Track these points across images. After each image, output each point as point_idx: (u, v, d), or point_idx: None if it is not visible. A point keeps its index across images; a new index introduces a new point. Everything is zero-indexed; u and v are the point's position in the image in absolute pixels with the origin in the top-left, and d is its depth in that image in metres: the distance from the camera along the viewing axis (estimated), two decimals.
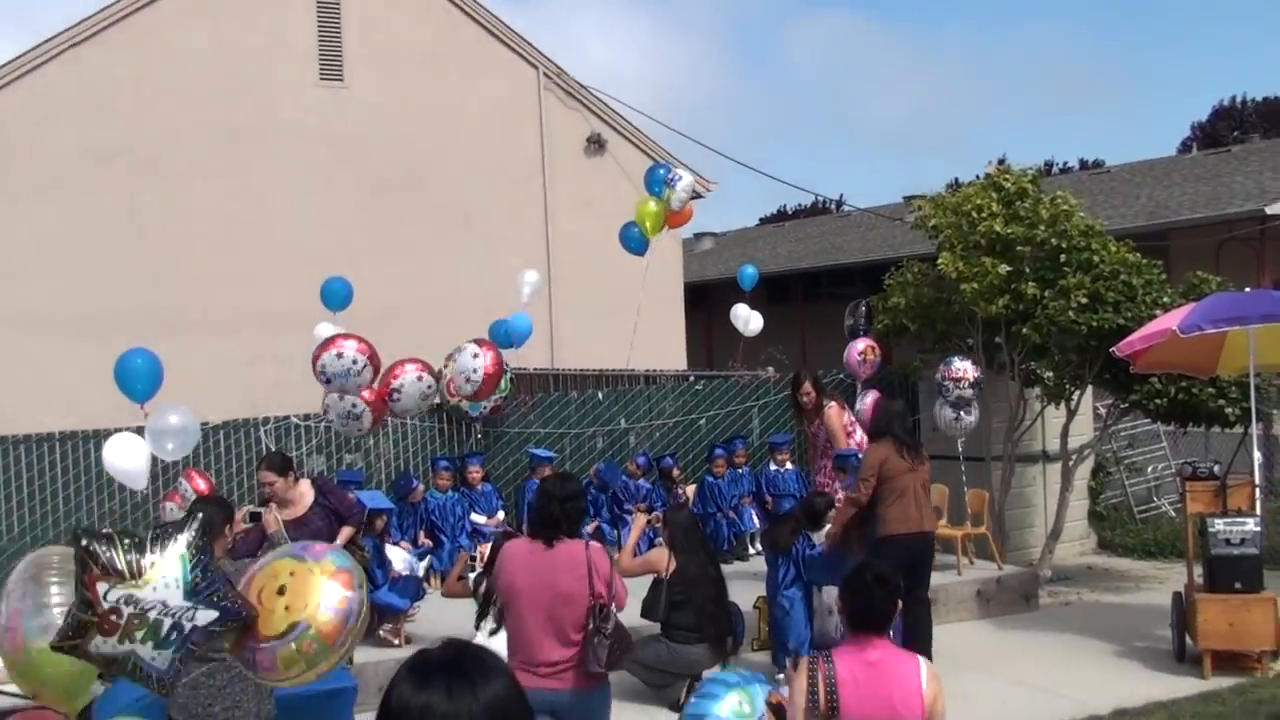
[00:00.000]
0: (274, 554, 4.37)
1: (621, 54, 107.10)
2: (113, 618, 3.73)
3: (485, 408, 12.04)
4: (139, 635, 3.91)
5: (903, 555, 8.60)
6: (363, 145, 19.21)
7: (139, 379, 7.67)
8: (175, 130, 18.01)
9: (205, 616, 4.04)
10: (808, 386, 11.12)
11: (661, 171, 12.35)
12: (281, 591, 4.33)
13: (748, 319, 13.29)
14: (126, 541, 3.78)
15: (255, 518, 6.35)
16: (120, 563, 3.74)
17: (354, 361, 8.48)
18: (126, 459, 7.75)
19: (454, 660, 2.23)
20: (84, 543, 3.66)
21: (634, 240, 12.31)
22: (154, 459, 8.55)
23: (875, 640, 4.54)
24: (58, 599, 4.06)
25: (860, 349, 12.22)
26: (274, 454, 9.12)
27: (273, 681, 4.37)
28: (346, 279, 12.05)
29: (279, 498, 8.18)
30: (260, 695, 5.76)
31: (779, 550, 9.29)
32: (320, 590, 4.37)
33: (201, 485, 9.19)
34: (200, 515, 4.46)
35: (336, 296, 11.89)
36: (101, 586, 3.71)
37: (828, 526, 9.49)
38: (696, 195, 12.46)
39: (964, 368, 11.59)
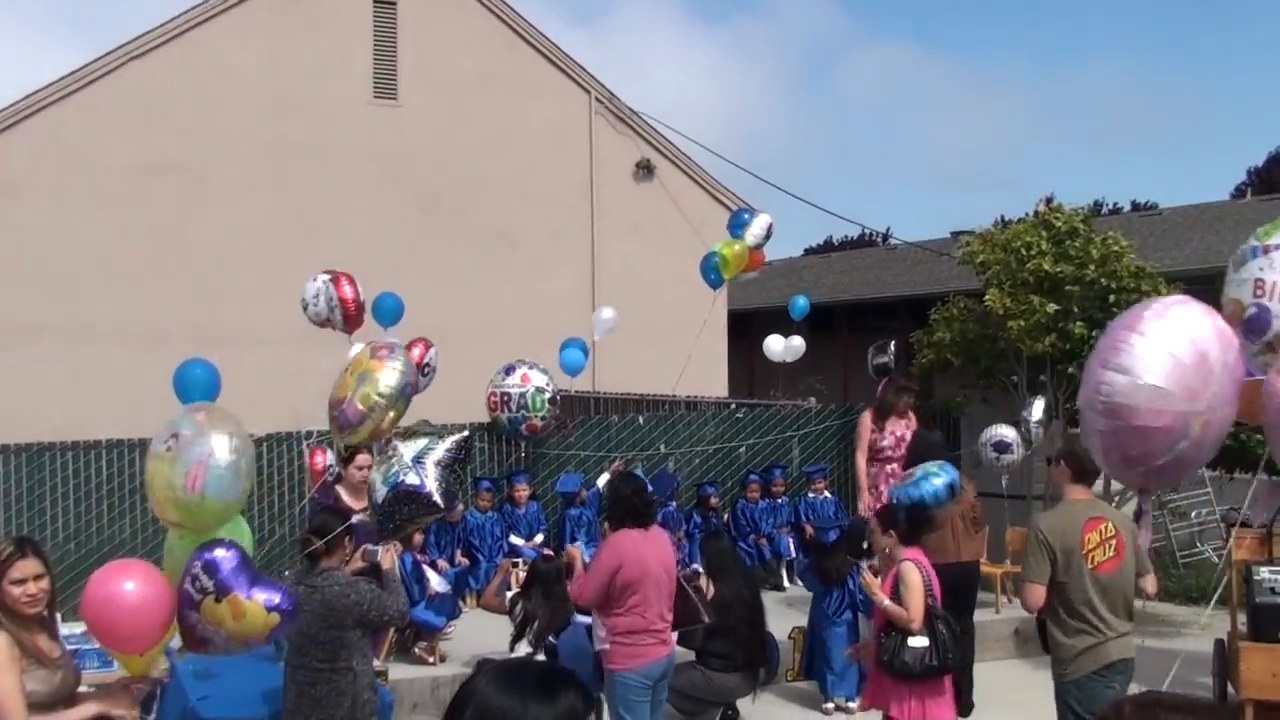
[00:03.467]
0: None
1: (677, 80, 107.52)
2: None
3: (521, 425, 12.15)
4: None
5: (951, 582, 8.58)
6: (413, 164, 19.38)
7: (197, 389, 7.73)
8: (228, 146, 18.24)
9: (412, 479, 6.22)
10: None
11: (746, 216, 12.65)
12: (349, 371, 6.26)
13: (782, 350, 13.31)
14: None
15: (372, 555, 6.44)
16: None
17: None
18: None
19: (541, 670, 2.41)
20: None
21: (712, 272, 12.52)
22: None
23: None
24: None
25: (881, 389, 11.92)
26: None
27: (366, 429, 6.07)
28: (398, 295, 12.15)
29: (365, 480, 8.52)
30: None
31: (830, 581, 9.33)
32: (368, 354, 6.28)
33: (320, 461, 9.60)
34: (468, 442, 6.74)
35: (388, 313, 12.00)
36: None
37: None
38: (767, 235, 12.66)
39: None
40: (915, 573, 6.91)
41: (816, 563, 9.73)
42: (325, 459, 10.08)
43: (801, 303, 12.93)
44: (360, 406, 6.07)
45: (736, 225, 12.79)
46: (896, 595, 6.91)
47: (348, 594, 6.01)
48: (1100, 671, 6.30)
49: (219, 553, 4.72)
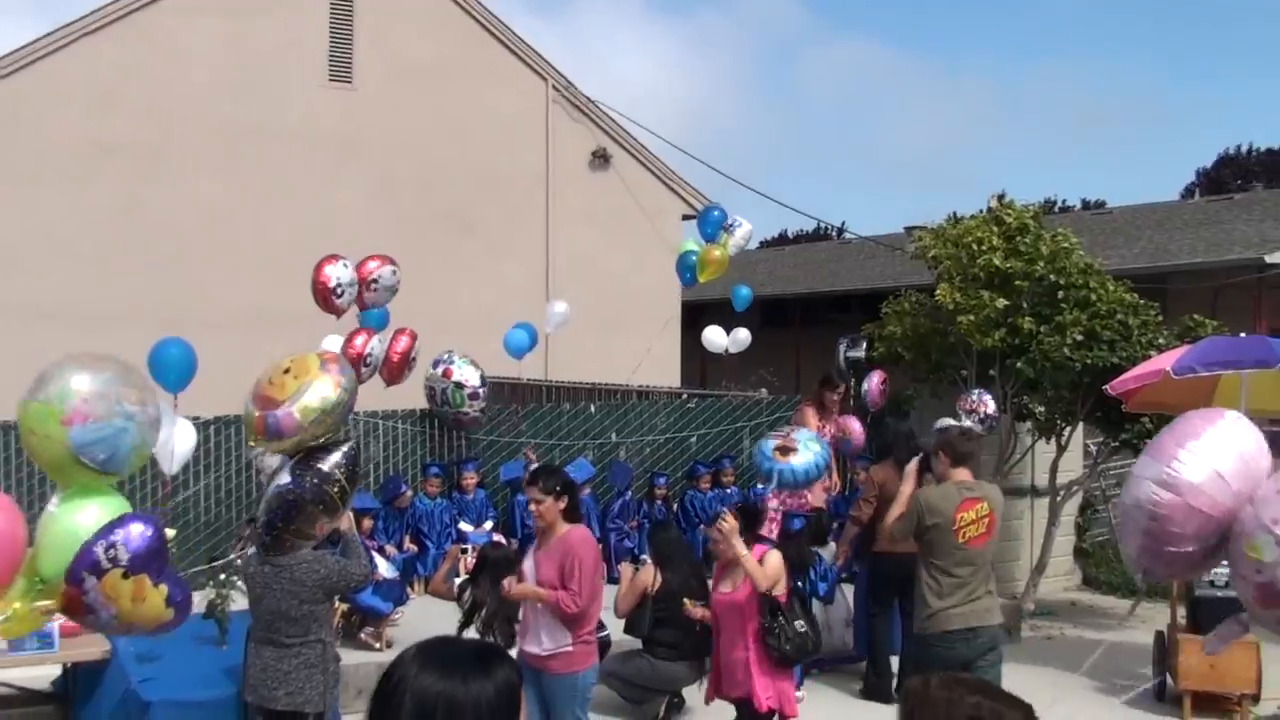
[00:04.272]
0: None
1: (637, 71, 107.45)
2: None
3: (448, 416, 12.16)
4: None
5: (899, 571, 8.86)
6: (368, 148, 19.25)
7: (172, 369, 7.69)
8: (181, 125, 18.03)
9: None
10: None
11: (716, 214, 12.59)
12: (287, 371, 5.83)
13: (724, 342, 13.22)
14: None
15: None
16: None
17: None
18: (181, 441, 7.83)
19: (472, 651, 2.36)
20: None
21: (688, 272, 12.49)
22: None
23: None
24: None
25: (879, 380, 12.29)
26: None
27: (295, 440, 5.70)
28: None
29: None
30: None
31: (792, 569, 9.35)
32: (318, 364, 5.84)
33: None
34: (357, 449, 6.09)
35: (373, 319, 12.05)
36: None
37: (832, 545, 9.76)
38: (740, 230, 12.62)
39: (985, 400, 11.45)
40: (778, 554, 6.97)
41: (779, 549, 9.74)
42: None
43: (744, 293, 12.85)
44: (298, 418, 5.75)
45: (712, 225, 12.67)
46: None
47: (317, 569, 6.06)
48: (941, 635, 6.98)
49: (140, 529, 4.43)
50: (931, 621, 7.02)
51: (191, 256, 17.79)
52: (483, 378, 12.28)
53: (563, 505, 6.61)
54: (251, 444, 6.62)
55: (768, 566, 6.79)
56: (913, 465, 7.68)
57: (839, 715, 9.15)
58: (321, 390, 5.80)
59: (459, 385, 12.04)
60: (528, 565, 6.78)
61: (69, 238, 17.19)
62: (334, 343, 11.42)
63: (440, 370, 12.13)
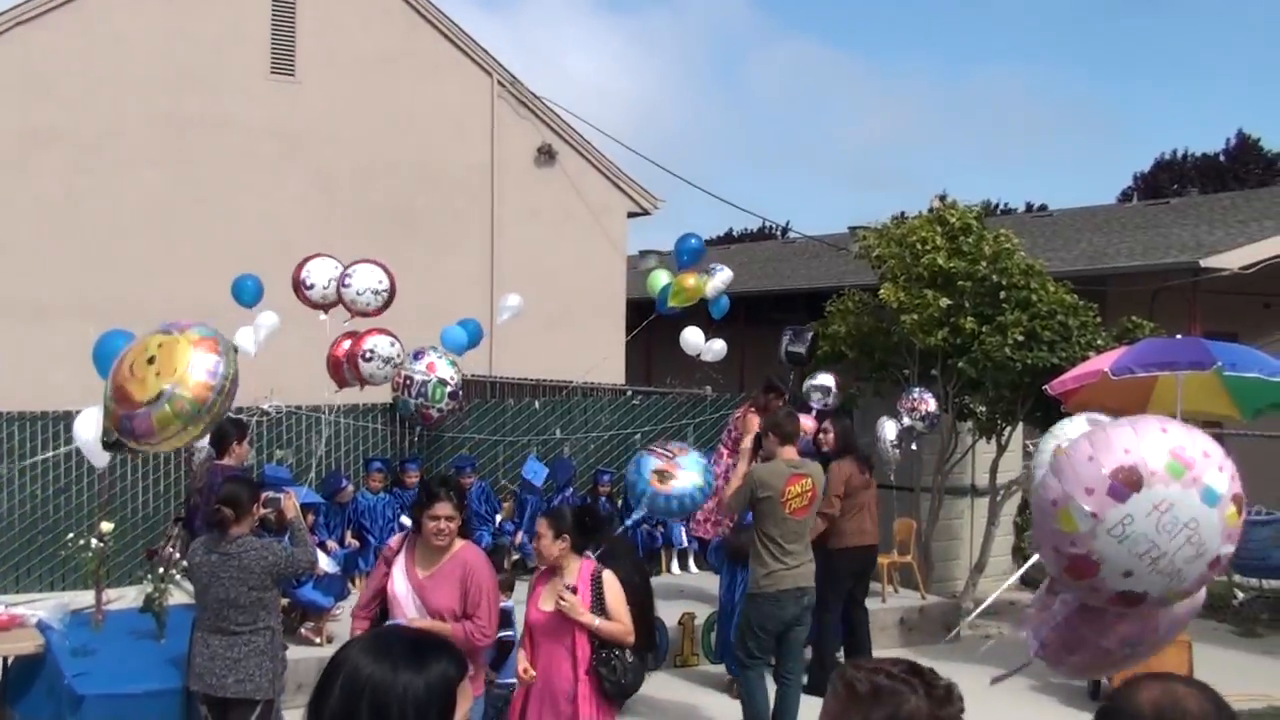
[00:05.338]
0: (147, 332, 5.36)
1: (583, 68, 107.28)
2: None
3: (412, 410, 12.00)
4: None
5: (855, 565, 9.29)
6: (311, 142, 19.06)
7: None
8: (120, 117, 17.75)
9: None
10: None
11: (693, 242, 12.57)
12: (151, 361, 5.18)
13: (703, 345, 13.20)
14: None
15: (274, 502, 6.50)
16: None
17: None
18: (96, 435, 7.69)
19: (411, 641, 2.33)
20: None
21: (663, 300, 12.45)
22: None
23: None
24: None
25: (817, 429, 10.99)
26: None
27: (153, 445, 4.79)
28: (258, 277, 12.01)
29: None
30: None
31: (741, 559, 9.34)
32: (188, 356, 5.19)
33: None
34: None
35: (248, 293, 11.89)
36: None
37: None
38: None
39: (926, 399, 11.50)
40: (616, 581, 6.11)
41: (730, 541, 9.75)
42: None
43: (723, 302, 12.85)
44: (154, 425, 5.15)
45: (688, 254, 12.69)
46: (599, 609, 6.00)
47: (265, 555, 6.11)
48: (777, 594, 7.91)
49: None
50: (768, 580, 7.89)
51: (128, 249, 17.52)
52: (461, 378, 12.20)
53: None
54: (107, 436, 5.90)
55: (617, 609, 5.99)
56: (747, 443, 8.43)
57: None
58: (184, 395, 5.15)
59: (443, 382, 11.92)
60: (401, 589, 5.68)
61: (3, 228, 16.87)
62: (245, 336, 11.22)
63: (424, 363, 11.99)
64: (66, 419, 10.60)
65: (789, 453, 8.04)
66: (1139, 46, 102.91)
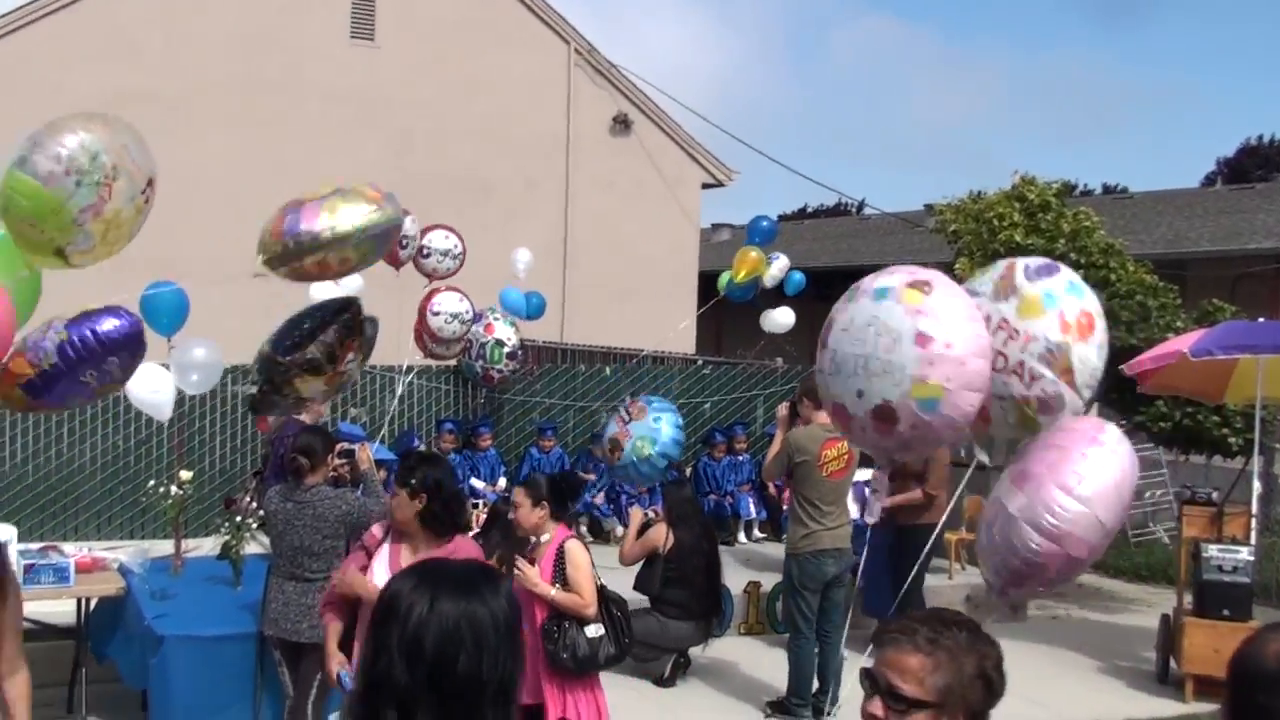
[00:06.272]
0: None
1: (662, 39, 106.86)
2: None
3: (477, 373, 12.18)
4: None
5: (927, 540, 9.21)
6: (388, 106, 19.19)
7: (165, 312, 7.70)
8: (201, 78, 17.96)
9: None
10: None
11: (765, 223, 12.61)
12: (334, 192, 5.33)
13: (779, 320, 13.44)
14: None
15: (349, 454, 6.62)
16: None
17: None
18: (153, 390, 7.79)
19: (463, 572, 2.31)
20: None
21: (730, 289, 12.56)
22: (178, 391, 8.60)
23: None
24: None
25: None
26: None
27: (285, 254, 5.20)
28: None
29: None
30: None
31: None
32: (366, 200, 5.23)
33: None
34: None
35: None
36: None
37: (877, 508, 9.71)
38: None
39: None
40: (583, 551, 5.94)
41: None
42: None
43: (797, 277, 13.04)
44: (323, 214, 5.11)
45: (759, 234, 12.83)
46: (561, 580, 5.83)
47: (339, 505, 6.22)
48: (816, 553, 8.02)
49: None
50: (805, 541, 8.02)
51: (207, 208, 17.76)
52: (521, 340, 12.35)
53: (419, 507, 5.13)
54: (256, 267, 5.67)
55: (578, 580, 5.81)
56: (783, 410, 8.56)
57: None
58: (359, 210, 5.18)
59: (500, 343, 12.11)
60: (380, 565, 5.20)
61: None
62: (323, 290, 11.45)
63: (482, 325, 12.16)
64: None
65: (823, 417, 7.84)
66: (1224, 27, 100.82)
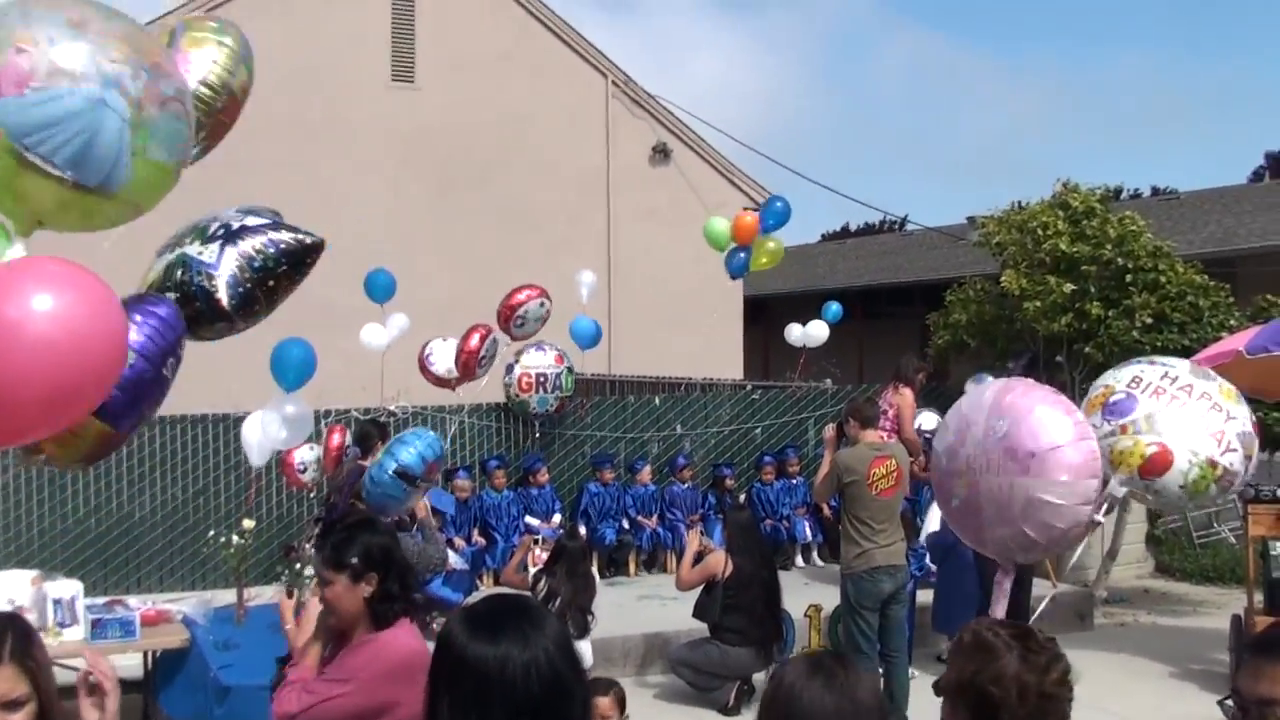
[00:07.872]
0: None
1: (698, 65, 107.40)
2: None
3: (551, 405, 12.28)
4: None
5: None
6: (430, 145, 19.38)
7: (292, 368, 7.79)
8: (243, 123, 18.09)
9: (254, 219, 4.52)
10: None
11: (779, 205, 12.59)
12: None
13: (801, 335, 13.52)
14: None
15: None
16: None
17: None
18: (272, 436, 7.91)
19: (513, 610, 2.32)
20: None
21: (736, 265, 12.55)
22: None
23: None
24: None
25: None
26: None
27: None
28: (389, 271, 12.92)
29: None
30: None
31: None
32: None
33: (336, 440, 10.05)
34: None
35: (379, 288, 12.83)
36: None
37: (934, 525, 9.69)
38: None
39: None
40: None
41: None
42: (342, 438, 10.16)
43: (835, 308, 13.32)
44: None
45: (774, 216, 12.74)
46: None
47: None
48: (870, 571, 8.04)
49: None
50: (859, 560, 8.06)
51: None
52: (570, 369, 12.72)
53: (369, 590, 3.87)
54: None
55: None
56: (830, 432, 8.74)
57: None
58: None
59: (570, 370, 12.58)
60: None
61: (132, 234, 17.39)
62: (374, 333, 11.90)
63: (550, 356, 12.48)
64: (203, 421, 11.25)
65: (870, 436, 8.27)
66: (1264, 20, 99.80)
